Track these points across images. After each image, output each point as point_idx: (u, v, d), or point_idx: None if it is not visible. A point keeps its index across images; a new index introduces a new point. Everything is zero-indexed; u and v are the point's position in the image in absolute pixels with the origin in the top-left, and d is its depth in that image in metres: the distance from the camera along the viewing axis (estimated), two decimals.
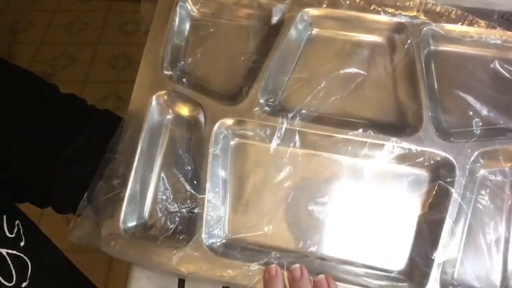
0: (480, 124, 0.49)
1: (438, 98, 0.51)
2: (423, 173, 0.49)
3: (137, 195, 0.50)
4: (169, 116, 0.53)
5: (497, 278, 0.46)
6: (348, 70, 0.53)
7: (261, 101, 0.51)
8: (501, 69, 0.52)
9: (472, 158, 0.47)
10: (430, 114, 0.48)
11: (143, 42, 0.53)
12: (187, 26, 0.57)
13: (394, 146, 0.48)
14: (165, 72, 0.53)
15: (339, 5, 0.53)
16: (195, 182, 0.49)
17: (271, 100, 0.52)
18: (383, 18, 0.53)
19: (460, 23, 0.52)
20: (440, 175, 0.48)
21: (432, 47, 0.53)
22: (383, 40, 0.54)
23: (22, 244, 0.42)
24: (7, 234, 0.40)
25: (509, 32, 0.51)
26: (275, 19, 0.54)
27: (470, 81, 0.52)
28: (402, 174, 0.49)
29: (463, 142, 0.47)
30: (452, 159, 0.47)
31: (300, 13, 0.53)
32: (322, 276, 0.43)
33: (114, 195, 0.48)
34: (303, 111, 0.50)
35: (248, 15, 0.56)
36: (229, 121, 0.50)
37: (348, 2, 0.53)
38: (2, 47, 1.80)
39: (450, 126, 0.50)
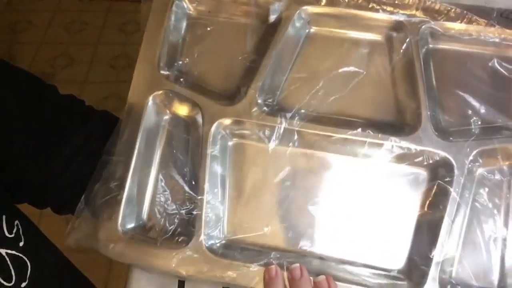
0: (479, 122, 0.49)
1: (436, 96, 0.51)
2: (422, 172, 0.49)
3: (135, 197, 0.49)
4: (167, 117, 0.53)
5: (495, 277, 0.46)
6: (346, 69, 0.52)
7: (259, 101, 0.50)
8: (499, 67, 0.51)
9: (470, 157, 0.46)
10: (428, 113, 0.48)
11: None
12: (184, 24, 0.56)
13: (393, 145, 0.47)
14: (162, 72, 0.52)
15: (337, 3, 0.53)
16: (194, 183, 0.49)
17: (270, 100, 0.52)
18: (381, 16, 0.52)
19: (459, 21, 0.51)
20: (439, 175, 0.48)
21: (430, 45, 0.53)
22: (382, 39, 0.54)
23: (21, 244, 0.42)
24: (7, 234, 0.40)
25: (508, 30, 0.51)
26: (272, 17, 0.54)
27: (469, 79, 0.51)
28: (401, 173, 0.49)
29: (462, 141, 0.47)
30: (451, 158, 0.46)
31: (298, 11, 0.53)
32: (322, 277, 0.43)
33: (112, 198, 0.48)
34: (302, 111, 0.50)
35: (245, 13, 0.55)
36: (227, 121, 0.50)
37: (346, 0, 0.53)
38: (2, 47, 1.80)
39: (448, 125, 0.50)
